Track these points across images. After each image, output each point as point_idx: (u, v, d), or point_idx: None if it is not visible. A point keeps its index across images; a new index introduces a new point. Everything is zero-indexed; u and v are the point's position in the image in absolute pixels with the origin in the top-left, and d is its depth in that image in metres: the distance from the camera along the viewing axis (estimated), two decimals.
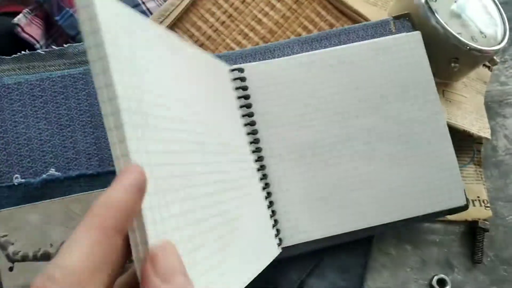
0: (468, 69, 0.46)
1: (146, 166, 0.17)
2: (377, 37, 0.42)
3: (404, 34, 0.42)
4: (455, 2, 0.45)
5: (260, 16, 0.47)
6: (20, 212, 0.32)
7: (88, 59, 0.17)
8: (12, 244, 0.32)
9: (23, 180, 0.34)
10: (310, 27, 0.47)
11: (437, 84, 0.41)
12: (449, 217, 0.45)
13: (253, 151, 0.38)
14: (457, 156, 0.40)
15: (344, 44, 0.42)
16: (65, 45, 0.39)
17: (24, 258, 0.32)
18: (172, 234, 0.18)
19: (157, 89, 0.21)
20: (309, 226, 0.38)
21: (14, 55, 0.37)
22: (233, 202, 0.29)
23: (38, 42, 0.45)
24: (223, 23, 0.46)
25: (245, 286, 0.26)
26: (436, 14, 0.42)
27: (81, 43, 0.39)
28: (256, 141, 0.38)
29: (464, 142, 0.48)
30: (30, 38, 0.44)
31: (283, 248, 0.37)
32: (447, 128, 0.41)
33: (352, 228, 0.39)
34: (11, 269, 0.32)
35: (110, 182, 0.39)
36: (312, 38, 0.42)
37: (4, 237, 0.31)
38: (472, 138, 0.46)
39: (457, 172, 0.40)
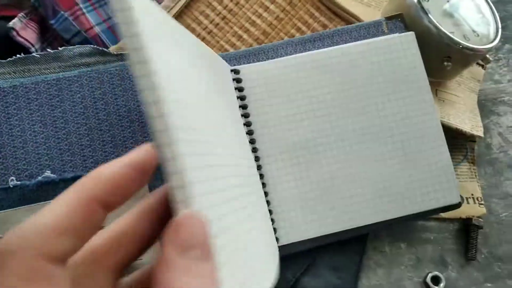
0: (461, 67, 0.47)
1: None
2: (370, 38, 0.43)
3: (397, 34, 0.42)
4: (448, 1, 0.46)
5: (253, 17, 0.47)
6: (15, 214, 0.33)
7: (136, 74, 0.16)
8: None
9: (18, 182, 0.34)
10: (304, 28, 0.48)
11: (430, 83, 0.42)
12: (443, 214, 0.45)
13: (251, 151, 0.38)
14: (451, 154, 0.41)
15: (337, 45, 0.42)
16: (59, 48, 0.39)
17: None
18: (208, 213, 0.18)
19: (187, 94, 0.21)
20: (304, 225, 0.38)
21: (9, 59, 0.38)
22: (251, 203, 0.29)
23: (33, 45, 0.45)
24: (217, 25, 0.47)
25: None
26: (428, 14, 0.42)
27: (76, 46, 0.40)
28: (252, 141, 0.39)
29: (457, 140, 0.48)
30: (25, 42, 0.44)
31: (278, 247, 0.38)
32: (441, 127, 0.41)
33: (346, 226, 0.39)
34: None
35: None
36: (306, 39, 0.43)
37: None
38: (466, 136, 0.46)
39: (451, 171, 0.41)
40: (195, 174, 0.17)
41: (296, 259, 0.41)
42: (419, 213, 0.40)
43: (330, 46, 0.42)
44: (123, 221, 0.18)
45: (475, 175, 0.48)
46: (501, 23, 0.46)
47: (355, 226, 0.39)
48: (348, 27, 0.43)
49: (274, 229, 0.38)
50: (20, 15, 0.45)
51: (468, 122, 0.47)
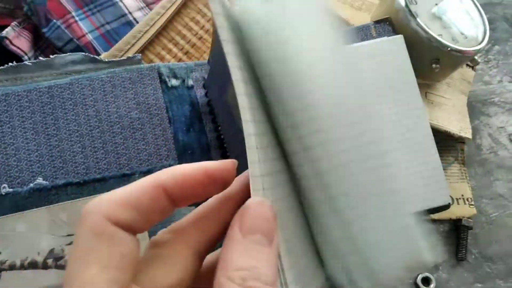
0: (449, 69, 0.47)
1: None
2: (358, 42, 0.43)
3: (385, 38, 0.43)
4: (436, 4, 0.46)
5: None
6: (7, 221, 0.33)
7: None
8: (0, 253, 0.32)
9: (10, 189, 0.34)
10: None
11: (419, 85, 0.42)
12: (433, 215, 0.45)
13: None
14: (441, 156, 0.41)
15: None
16: (51, 56, 0.39)
17: (12, 267, 0.32)
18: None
19: None
20: None
21: (1, 67, 0.38)
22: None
23: (26, 54, 0.45)
24: (207, 31, 0.47)
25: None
26: (416, 17, 0.43)
27: (68, 53, 0.40)
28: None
29: (447, 142, 0.49)
30: (19, 51, 0.45)
31: None
32: (430, 130, 0.42)
33: None
34: None
35: (96, 190, 0.40)
36: None
37: None
38: (455, 138, 0.47)
39: (440, 172, 0.41)
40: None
41: None
42: None
43: None
44: (207, 204, 0.19)
45: (465, 176, 0.48)
46: (490, 25, 0.47)
47: None
48: None
49: None
50: (13, 24, 0.46)
51: (457, 124, 0.47)
